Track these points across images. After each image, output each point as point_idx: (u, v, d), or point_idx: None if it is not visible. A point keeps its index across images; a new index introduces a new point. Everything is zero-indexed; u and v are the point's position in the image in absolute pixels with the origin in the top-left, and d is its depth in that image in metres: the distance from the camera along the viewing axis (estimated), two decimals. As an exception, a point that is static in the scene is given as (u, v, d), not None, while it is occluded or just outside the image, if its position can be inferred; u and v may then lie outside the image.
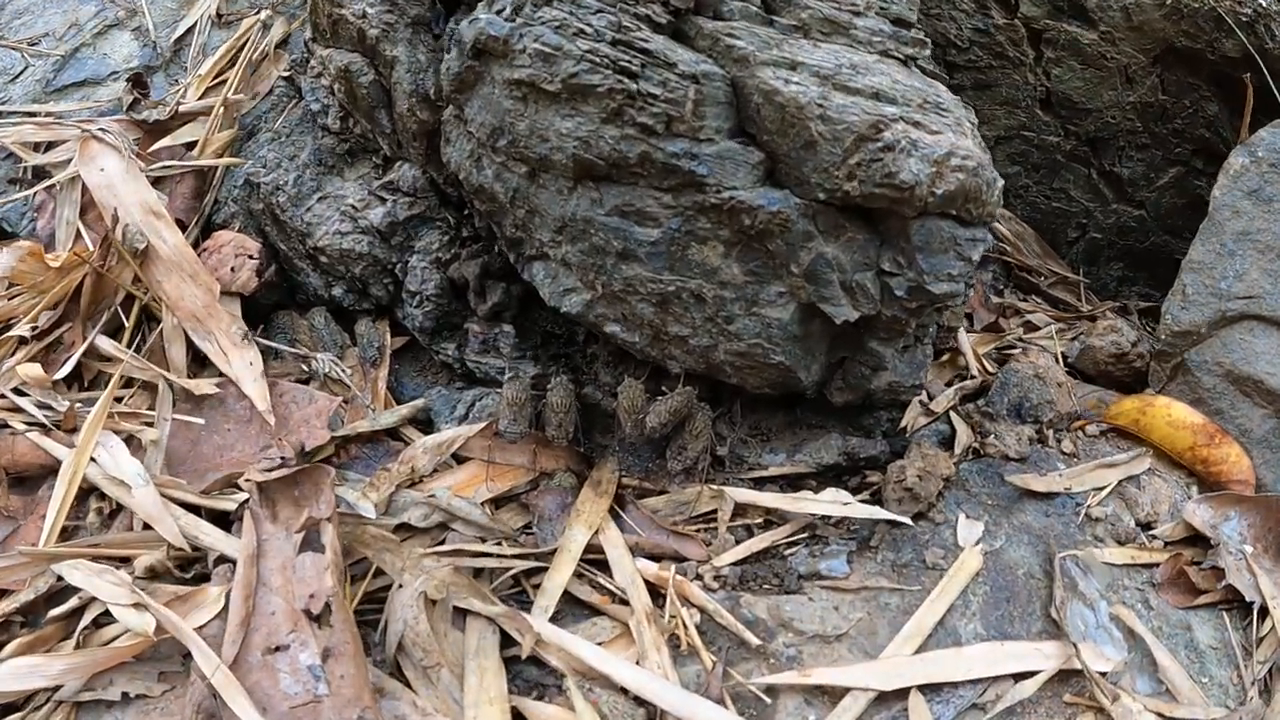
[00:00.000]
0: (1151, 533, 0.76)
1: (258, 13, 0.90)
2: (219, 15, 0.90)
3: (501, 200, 0.64)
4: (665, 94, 0.53)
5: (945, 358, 0.84)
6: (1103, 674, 0.60)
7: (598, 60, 0.54)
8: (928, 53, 0.63)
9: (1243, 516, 0.79)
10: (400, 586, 0.56)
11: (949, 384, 0.81)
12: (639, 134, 0.54)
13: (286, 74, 0.82)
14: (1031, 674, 0.57)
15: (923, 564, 0.67)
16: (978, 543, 0.69)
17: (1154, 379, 0.88)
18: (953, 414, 0.77)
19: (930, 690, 0.55)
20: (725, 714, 0.52)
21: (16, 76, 0.88)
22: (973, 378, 0.82)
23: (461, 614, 0.59)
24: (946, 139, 0.55)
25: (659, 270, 0.59)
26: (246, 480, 0.59)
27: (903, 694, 0.55)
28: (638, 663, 0.57)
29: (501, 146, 0.60)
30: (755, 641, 0.59)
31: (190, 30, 0.90)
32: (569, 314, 0.63)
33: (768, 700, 0.55)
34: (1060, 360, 0.92)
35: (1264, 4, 0.97)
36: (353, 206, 0.74)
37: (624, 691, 0.53)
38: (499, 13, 0.57)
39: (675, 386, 0.66)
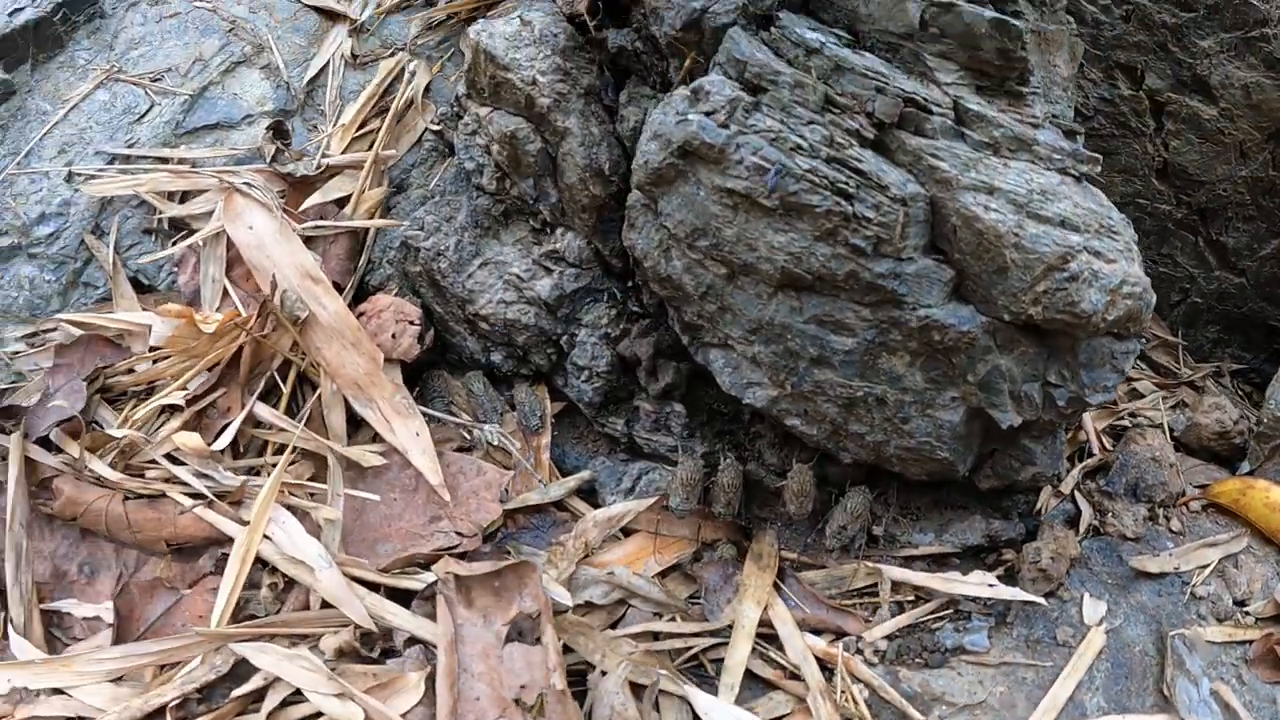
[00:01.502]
0: (1246, 610, 0.84)
1: (393, 54, 0.91)
2: (353, 55, 0.91)
3: (689, 292, 0.67)
4: (878, 217, 0.57)
5: (1068, 435, 0.91)
6: None
7: (816, 180, 0.57)
8: (1099, 169, 0.69)
9: None
10: (603, 673, 0.61)
11: (1071, 461, 0.88)
12: (849, 253, 0.58)
13: (435, 127, 0.84)
14: None
15: (1054, 640, 0.73)
16: (1101, 621, 0.76)
17: (1253, 457, 0.95)
18: (1077, 493, 0.84)
19: None
20: None
21: (142, 116, 0.87)
22: (1093, 455, 0.89)
23: (655, 696, 0.64)
24: (1120, 267, 0.61)
25: (849, 377, 0.63)
26: (442, 569, 0.63)
27: None
28: None
29: (701, 246, 0.64)
30: (917, 716, 0.65)
31: (323, 70, 0.90)
32: (751, 405, 0.68)
33: None
34: (1168, 434, 1.00)
35: None
36: (518, 276, 0.76)
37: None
38: (710, 114, 0.61)
39: (841, 468, 0.72)
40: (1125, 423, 0.96)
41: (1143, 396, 1.03)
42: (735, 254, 0.60)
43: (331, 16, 0.96)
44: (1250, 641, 0.79)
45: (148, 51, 0.94)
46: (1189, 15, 1.01)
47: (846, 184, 0.56)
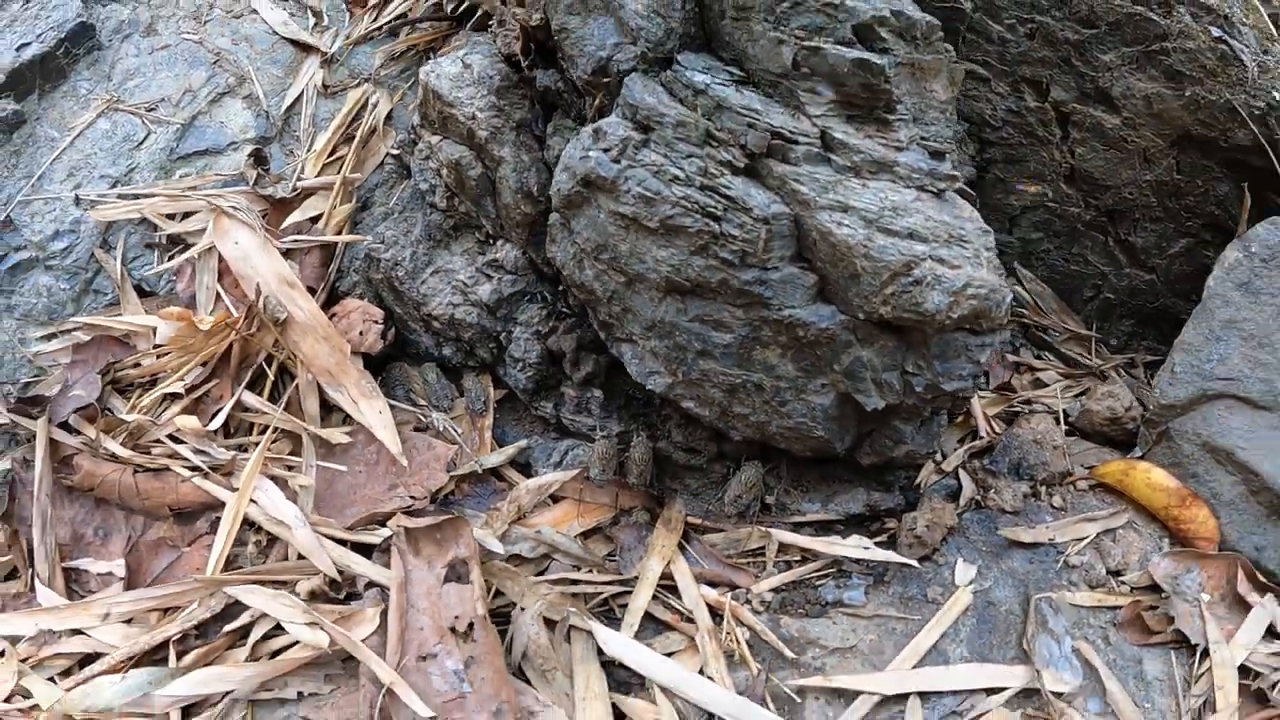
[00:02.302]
0: (1121, 580, 0.98)
1: (359, 85, 1.08)
2: (325, 86, 1.08)
3: (599, 296, 0.84)
4: (743, 235, 0.73)
5: (959, 419, 1.06)
6: (1058, 694, 0.82)
7: (689, 206, 0.73)
8: (959, 184, 0.83)
9: (1202, 570, 1.00)
10: (522, 609, 0.77)
11: (961, 443, 1.03)
12: (720, 265, 0.74)
13: (395, 152, 1.01)
14: (1001, 690, 0.79)
15: (925, 598, 0.89)
16: (970, 583, 0.91)
17: (1142, 442, 1.10)
18: (961, 471, 0.99)
19: (923, 697, 0.78)
20: (766, 713, 0.74)
21: (140, 143, 1.05)
22: (981, 438, 1.04)
23: (568, 630, 0.80)
24: (965, 272, 0.76)
25: (729, 366, 0.79)
26: (395, 524, 0.80)
27: (902, 699, 0.77)
28: (701, 670, 0.78)
29: (604, 259, 0.80)
30: (790, 655, 0.81)
31: (298, 99, 1.08)
32: (652, 391, 0.84)
33: (798, 700, 0.77)
34: (1063, 419, 1.15)
35: (1278, 98, 1.18)
36: (464, 282, 0.93)
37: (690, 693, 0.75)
38: (606, 151, 0.77)
39: (736, 445, 0.88)
40: (1020, 409, 1.10)
41: (1046, 385, 1.18)
42: (630, 266, 0.77)
43: (305, 49, 1.13)
44: (1120, 607, 0.93)
45: (142, 82, 1.12)
46: (1091, 32, 1.15)
47: (715, 208, 0.72)
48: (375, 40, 1.15)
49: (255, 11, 1.20)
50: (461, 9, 1.11)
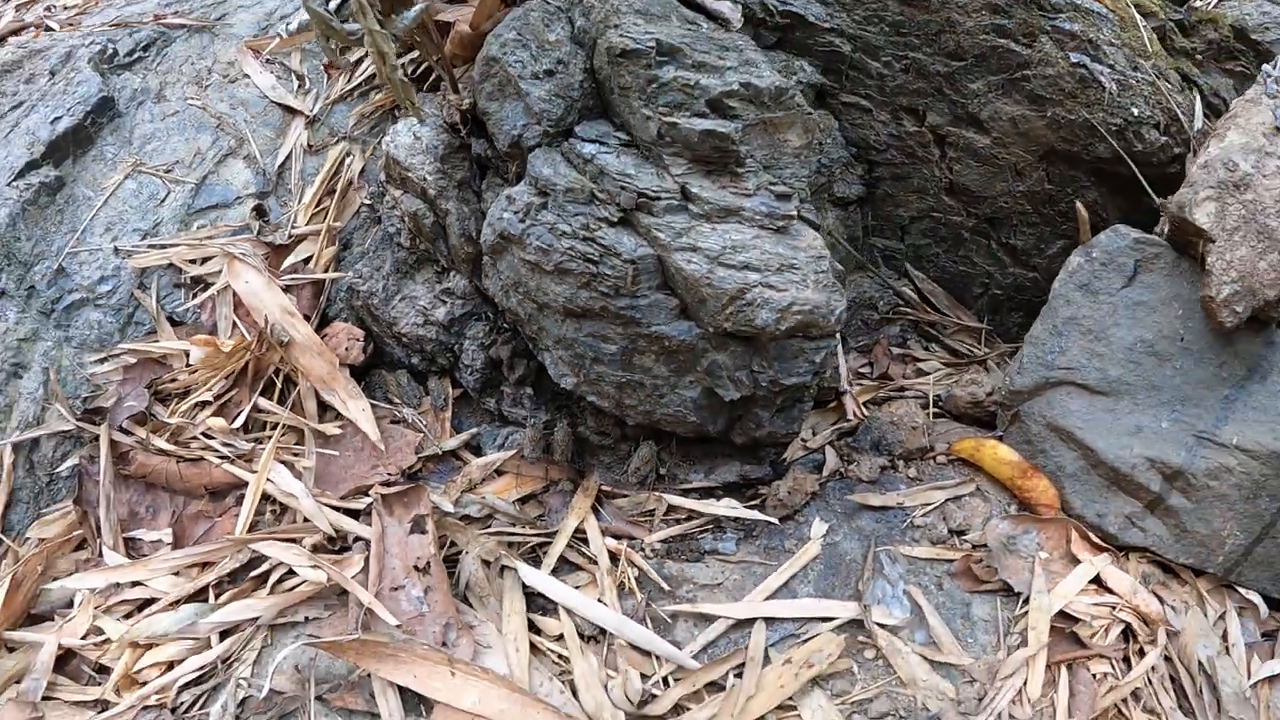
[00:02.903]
0: (964, 539, 1.37)
1: (338, 142, 1.52)
2: (309, 145, 1.52)
3: (521, 318, 1.27)
4: (614, 274, 1.15)
5: (833, 404, 1.45)
6: (886, 626, 1.21)
7: (574, 254, 1.15)
8: (794, 221, 1.23)
9: (1041, 532, 1.38)
10: (467, 553, 1.21)
11: (832, 425, 1.43)
12: (600, 295, 1.16)
13: (368, 202, 1.44)
14: (832, 619, 1.19)
15: (784, 549, 1.28)
16: (823, 537, 1.30)
17: (1000, 423, 1.48)
18: (828, 448, 1.39)
19: (768, 621, 1.18)
20: (645, 631, 1.16)
21: (163, 201, 1.51)
22: (849, 420, 1.43)
23: (500, 569, 1.23)
24: (790, 294, 1.16)
25: (616, 369, 1.21)
26: (374, 492, 1.24)
27: (751, 623, 1.18)
28: (600, 599, 1.20)
29: (520, 291, 1.23)
30: (668, 589, 1.22)
31: (289, 157, 1.52)
32: (565, 388, 1.27)
33: (670, 621, 1.19)
34: (932, 403, 1.53)
35: (1135, 114, 1.55)
36: (424, 307, 1.37)
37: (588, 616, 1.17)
38: (515, 213, 1.19)
39: (635, 428, 1.31)
40: (891, 395, 1.49)
41: (926, 374, 1.56)
42: (538, 297, 1.19)
43: (291, 111, 1.58)
44: (955, 559, 1.32)
45: (159, 145, 1.58)
46: (959, 64, 1.54)
47: (593, 255, 1.14)
48: (349, 101, 1.59)
49: (247, 76, 1.65)
50: (417, 72, 1.54)
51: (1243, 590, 1.32)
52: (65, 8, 1.94)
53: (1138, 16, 1.72)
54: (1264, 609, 1.30)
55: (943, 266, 1.70)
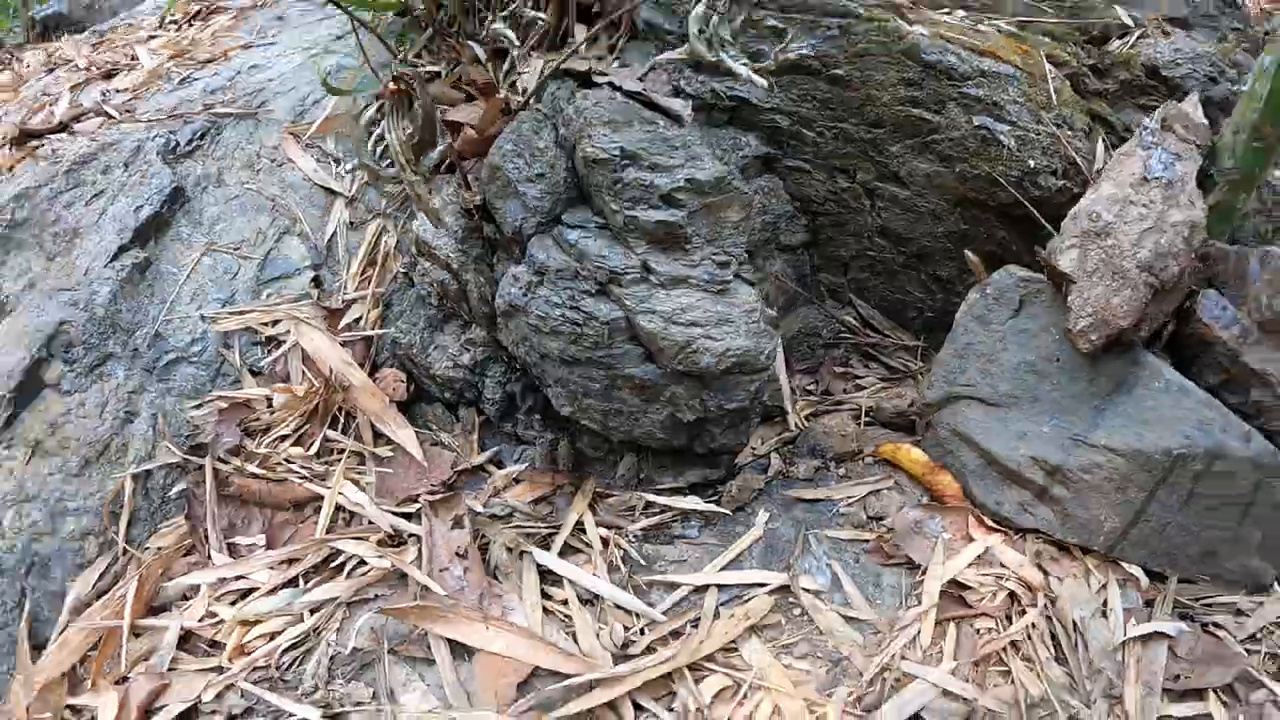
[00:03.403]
0: (881, 523, 1.96)
1: (374, 219, 2.12)
2: (350, 222, 2.13)
3: (529, 363, 1.88)
4: (594, 334, 1.75)
5: (778, 418, 2.04)
6: (811, 590, 1.81)
7: (563, 319, 1.76)
8: (732, 282, 1.82)
9: (945, 518, 1.97)
10: (494, 542, 1.82)
11: (777, 435, 2.01)
12: (585, 350, 1.77)
13: (403, 270, 2.05)
14: (768, 585, 1.79)
15: (735, 534, 1.88)
16: (765, 524, 1.90)
17: (918, 429, 2.07)
18: (772, 454, 1.98)
19: (719, 588, 1.78)
20: (627, 595, 1.77)
21: (235, 275, 2.13)
22: (791, 430, 2.02)
23: (520, 553, 1.85)
24: (725, 344, 1.75)
25: (601, 401, 1.82)
26: (422, 500, 1.87)
27: (705, 589, 1.78)
28: (594, 573, 1.82)
29: (526, 345, 1.84)
30: (644, 564, 1.83)
31: (334, 233, 2.13)
32: (564, 415, 1.88)
33: (646, 589, 1.80)
34: (865, 414, 2.10)
35: (1031, 165, 2.11)
36: (453, 354, 1.99)
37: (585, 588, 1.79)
38: (519, 289, 1.80)
39: (620, 442, 1.92)
40: (830, 409, 2.07)
41: (863, 389, 2.14)
42: (539, 349, 1.80)
43: (332, 192, 2.19)
44: (870, 540, 1.92)
45: (226, 226, 2.20)
46: (880, 130, 2.11)
47: (578, 319, 1.74)
48: (380, 180, 2.19)
49: (291, 160, 2.27)
50: (439, 162, 2.14)
51: (1126, 565, 1.90)
52: (118, 90, 2.56)
53: (1049, 69, 2.28)
54: (1144, 580, 1.87)
55: (881, 295, 2.29)
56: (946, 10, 2.49)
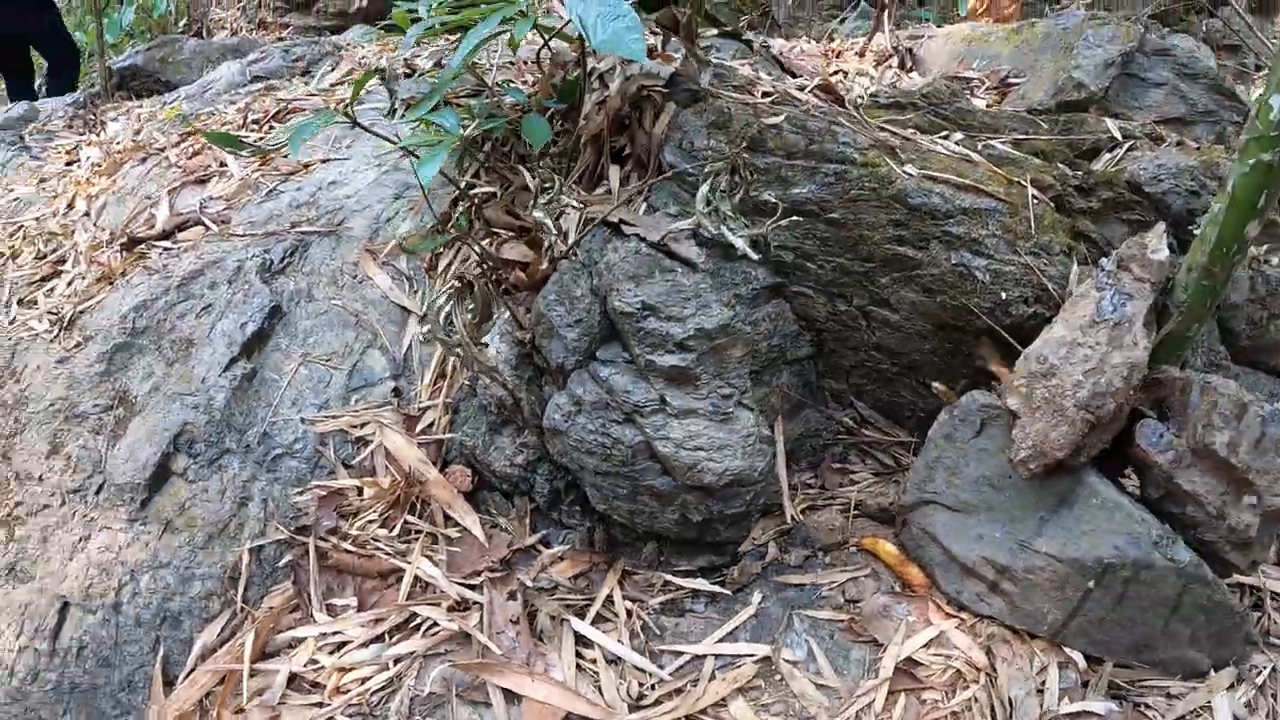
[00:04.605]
0: (856, 606, 3.18)
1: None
2: (423, 338, 3.45)
3: (571, 469, 3.19)
4: (620, 455, 3.03)
5: (777, 512, 3.27)
6: (788, 661, 3.05)
7: (597, 443, 3.04)
8: (734, 410, 3.07)
9: (910, 604, 3.17)
10: (541, 611, 3.13)
11: (776, 527, 3.25)
12: (614, 465, 3.04)
13: (468, 383, 3.36)
14: (755, 655, 3.04)
15: (733, 611, 3.11)
16: (758, 603, 3.14)
17: (896, 525, 3.29)
18: (770, 543, 3.21)
19: (715, 657, 3.04)
20: (644, 659, 3.05)
21: (328, 383, 3.47)
22: (788, 523, 3.25)
23: (561, 620, 3.16)
24: (725, 464, 3.00)
25: (627, 502, 3.09)
26: (484, 574, 3.19)
27: (704, 657, 3.04)
28: (619, 640, 3.11)
29: (567, 456, 3.14)
30: (658, 633, 3.11)
31: (410, 347, 3.46)
32: (599, 509, 3.19)
33: (659, 655, 3.07)
34: (854, 508, 3.31)
35: (1003, 297, 3.30)
36: (509, 455, 3.30)
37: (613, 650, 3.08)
38: (561, 415, 3.09)
39: (644, 532, 3.22)
40: (823, 503, 3.29)
41: (855, 484, 3.35)
42: (578, 462, 3.09)
43: (406, 310, 3.52)
44: (844, 620, 3.15)
45: (318, 339, 3.55)
46: (871, 265, 3.32)
47: (608, 443, 3.03)
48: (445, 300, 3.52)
49: (370, 278, 3.60)
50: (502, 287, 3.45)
51: (1069, 650, 3.10)
52: (212, 198, 3.93)
53: (1032, 194, 3.46)
54: (1082, 663, 3.05)
55: (878, 398, 3.50)
56: (945, 134, 3.69)
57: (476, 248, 3.15)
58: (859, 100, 3.85)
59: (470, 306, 3.13)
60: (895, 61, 4.70)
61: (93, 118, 4.82)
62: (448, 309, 3.40)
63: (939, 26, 5.60)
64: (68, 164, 4.79)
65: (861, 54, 4.89)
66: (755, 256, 3.05)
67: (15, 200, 4.66)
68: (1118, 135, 3.66)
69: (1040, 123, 3.75)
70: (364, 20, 9.17)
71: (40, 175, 4.82)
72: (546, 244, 3.15)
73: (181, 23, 11.18)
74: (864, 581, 3.21)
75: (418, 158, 3.41)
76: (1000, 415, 3.14)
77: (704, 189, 3.06)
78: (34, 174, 4.90)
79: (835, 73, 4.64)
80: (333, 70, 5.14)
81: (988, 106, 4.08)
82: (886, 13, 4.88)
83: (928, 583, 3.19)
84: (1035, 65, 4.43)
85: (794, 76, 4.45)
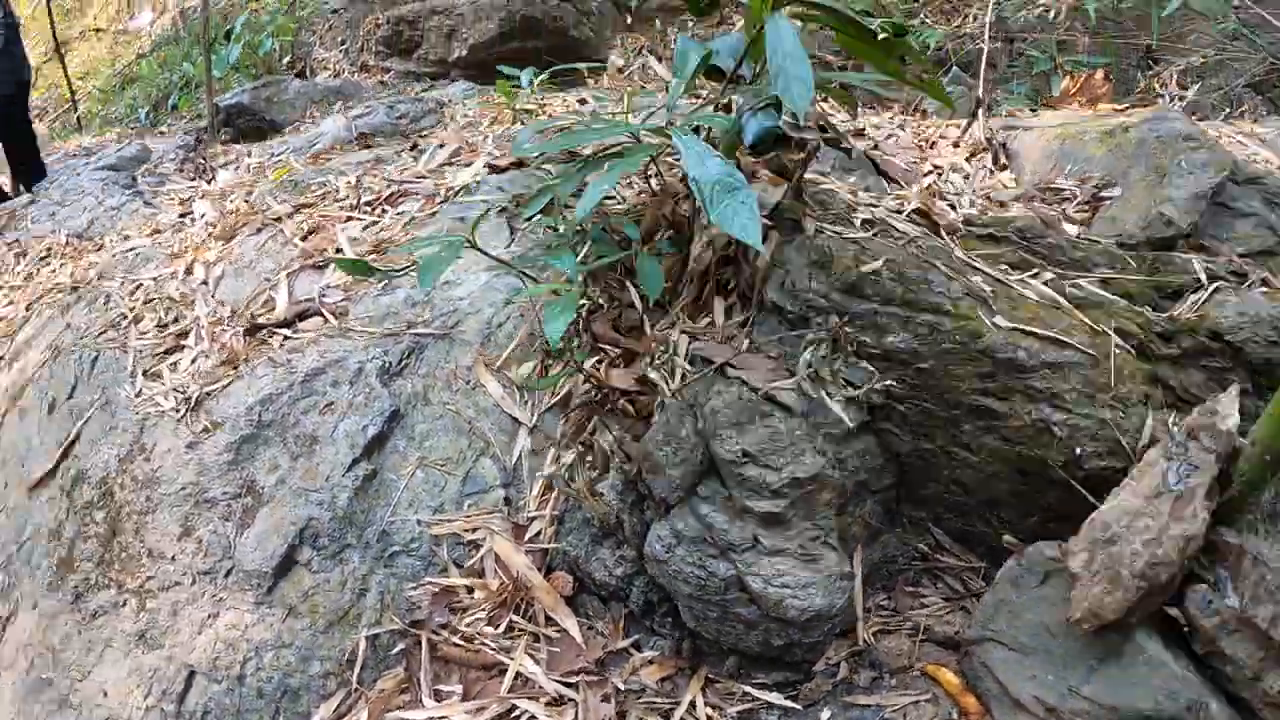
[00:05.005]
0: None
1: (551, 446, 4.14)
2: (533, 450, 4.15)
3: (666, 589, 3.91)
4: (714, 586, 3.73)
5: (850, 634, 3.97)
6: None
7: (693, 574, 3.74)
8: (820, 550, 3.75)
9: None
10: (630, 712, 3.87)
11: (849, 648, 3.94)
12: (707, 593, 3.74)
13: (570, 494, 4.07)
14: None
15: None
16: (827, 719, 3.87)
17: (960, 655, 3.97)
18: (842, 663, 3.91)
19: None
20: None
21: (443, 488, 4.18)
22: (859, 645, 3.94)
23: None
24: (809, 601, 3.67)
25: (715, 623, 3.80)
26: (580, 673, 3.93)
27: None
28: None
29: (664, 579, 3.86)
30: None
31: (520, 457, 4.16)
32: (689, 626, 3.91)
33: None
34: (922, 632, 3.99)
35: (1078, 452, 3.94)
36: (609, 566, 4.01)
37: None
38: (662, 546, 3.80)
39: (729, 650, 3.95)
40: (894, 627, 3.97)
41: (926, 608, 4.03)
42: (673, 586, 3.80)
43: (516, 420, 4.22)
44: None
45: (434, 443, 4.26)
46: (956, 411, 3.96)
47: (702, 574, 3.74)
48: (554, 411, 4.20)
49: (483, 385, 4.30)
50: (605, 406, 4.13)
51: None
52: (331, 287, 4.62)
53: (1115, 342, 4.07)
54: None
55: (956, 528, 4.16)
56: (1035, 272, 4.29)
57: (586, 382, 3.83)
58: (956, 227, 4.44)
59: (589, 460, 3.84)
60: (989, 159, 5.25)
61: (203, 162, 5.52)
62: (569, 462, 4.10)
63: (1032, 111, 6.11)
64: (181, 215, 5.49)
65: (956, 144, 5.44)
66: (852, 424, 3.71)
67: (132, 251, 5.38)
68: (1203, 278, 4.22)
69: (1129, 259, 4.33)
70: (462, 68, 9.71)
71: (154, 225, 5.54)
72: (659, 390, 3.83)
73: (285, 60, 11.89)
74: (924, 706, 3.91)
75: (535, 280, 4.09)
76: (1063, 570, 3.79)
77: (805, 355, 3.72)
78: (148, 223, 5.62)
79: (929, 172, 5.21)
80: (441, 147, 5.75)
81: (1079, 231, 4.65)
82: (981, 109, 5.42)
83: (983, 711, 3.88)
84: (1127, 176, 4.96)
85: (888, 180, 5.04)
